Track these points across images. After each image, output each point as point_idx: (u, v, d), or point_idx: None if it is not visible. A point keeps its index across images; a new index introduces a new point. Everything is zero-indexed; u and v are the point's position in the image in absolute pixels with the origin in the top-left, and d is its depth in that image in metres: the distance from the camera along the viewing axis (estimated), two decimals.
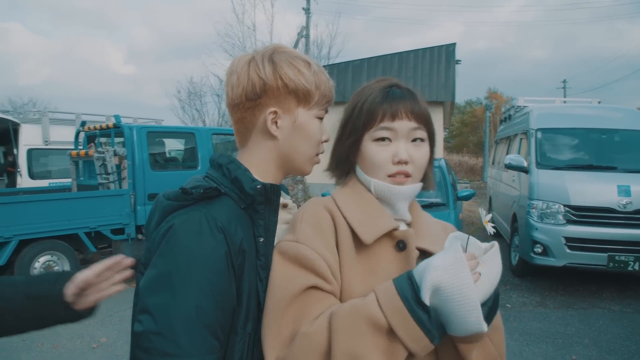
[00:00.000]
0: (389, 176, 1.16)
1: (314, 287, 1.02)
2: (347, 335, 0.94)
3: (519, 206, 7.25)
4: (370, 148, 1.17)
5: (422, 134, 1.17)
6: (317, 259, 1.04)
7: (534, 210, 6.55)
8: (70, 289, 1.24)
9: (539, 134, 7.29)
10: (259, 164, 1.19)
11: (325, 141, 1.29)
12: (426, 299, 0.93)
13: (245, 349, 1.05)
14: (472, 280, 0.93)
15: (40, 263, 6.44)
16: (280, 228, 1.19)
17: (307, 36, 26.71)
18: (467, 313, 0.92)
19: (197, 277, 0.99)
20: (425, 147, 1.19)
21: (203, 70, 41.38)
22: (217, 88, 25.40)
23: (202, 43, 41.42)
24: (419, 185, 1.21)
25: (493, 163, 11.61)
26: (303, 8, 26.24)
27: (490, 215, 1.13)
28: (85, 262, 7.29)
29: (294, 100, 1.17)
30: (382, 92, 1.18)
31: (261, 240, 1.11)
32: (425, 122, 1.18)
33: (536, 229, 6.45)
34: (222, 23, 50.36)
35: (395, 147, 1.15)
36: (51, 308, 1.25)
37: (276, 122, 1.17)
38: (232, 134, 7.79)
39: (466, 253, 1.00)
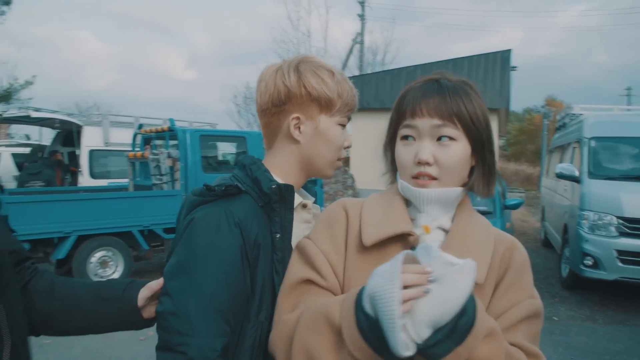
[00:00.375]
0: (413, 177, 1.09)
1: (310, 281, 1.07)
2: (305, 330, 0.96)
3: (570, 217, 7.04)
4: (398, 148, 1.13)
5: (449, 131, 1.06)
6: (316, 254, 1.09)
7: (585, 221, 6.36)
8: (144, 293, 1.29)
9: (593, 143, 7.06)
10: (282, 166, 1.28)
11: (348, 147, 1.36)
12: (366, 304, 0.87)
13: (258, 335, 1.14)
14: (399, 294, 0.81)
15: (96, 258, 6.80)
16: (299, 227, 1.27)
17: (362, 42, 26.80)
18: (388, 330, 0.82)
19: (213, 267, 1.09)
20: (454, 147, 1.07)
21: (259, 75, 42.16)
22: None
23: (260, 49, 42.28)
24: (450, 190, 1.09)
25: (547, 172, 11.30)
26: (358, 14, 26.36)
27: (428, 218, 1.10)
28: (138, 259, 7.64)
29: (316, 108, 1.24)
30: (415, 88, 1.13)
31: (277, 235, 1.20)
32: (457, 118, 1.06)
33: (587, 240, 6.25)
34: (277, 30, 51.22)
35: (417, 147, 1.08)
36: (121, 312, 1.29)
37: (299, 128, 1.25)
38: None
39: (416, 265, 0.87)
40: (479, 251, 1.06)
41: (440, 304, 0.83)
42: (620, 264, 6.01)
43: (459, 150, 1.07)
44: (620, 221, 6.10)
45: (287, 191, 1.22)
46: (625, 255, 6.00)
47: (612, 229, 6.12)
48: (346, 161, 18.65)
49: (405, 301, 0.82)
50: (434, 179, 1.07)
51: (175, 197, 7.46)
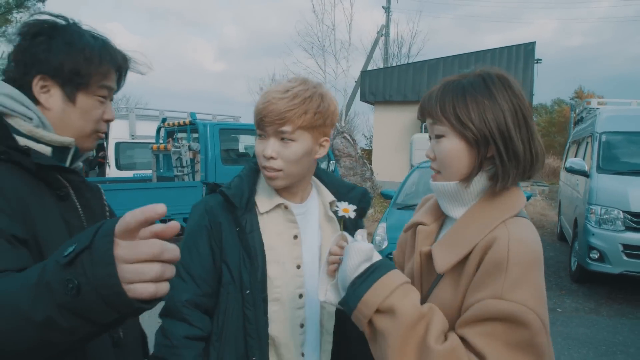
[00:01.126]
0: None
1: None
2: None
3: (580, 211, 7.12)
4: None
5: (439, 129, 1.18)
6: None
7: (592, 215, 6.44)
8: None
9: (603, 137, 7.11)
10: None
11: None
12: None
13: (224, 303, 1.43)
14: (326, 258, 1.24)
15: None
16: (285, 225, 1.50)
17: (387, 35, 26.78)
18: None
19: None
20: (443, 143, 1.18)
21: (285, 68, 42.35)
22: None
23: (287, 41, 42.51)
24: (447, 184, 1.20)
25: (564, 166, 11.29)
26: (383, 7, 26.33)
27: (345, 204, 1.31)
28: None
29: None
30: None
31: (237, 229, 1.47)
32: (443, 115, 1.16)
33: (593, 234, 6.34)
34: (302, 22, 51.35)
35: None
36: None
37: None
38: None
39: (340, 243, 1.21)
40: (454, 246, 1.15)
41: (340, 272, 1.12)
42: (625, 258, 6.09)
43: (447, 145, 1.17)
44: (627, 215, 6.16)
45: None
46: (631, 249, 6.07)
47: (619, 223, 6.19)
48: (368, 154, 18.80)
49: (331, 264, 1.22)
50: (438, 172, 1.23)
51: (196, 188, 7.78)
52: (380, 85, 17.89)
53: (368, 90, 18.26)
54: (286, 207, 1.49)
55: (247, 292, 1.39)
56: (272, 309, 1.42)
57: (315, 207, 1.56)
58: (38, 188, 1.09)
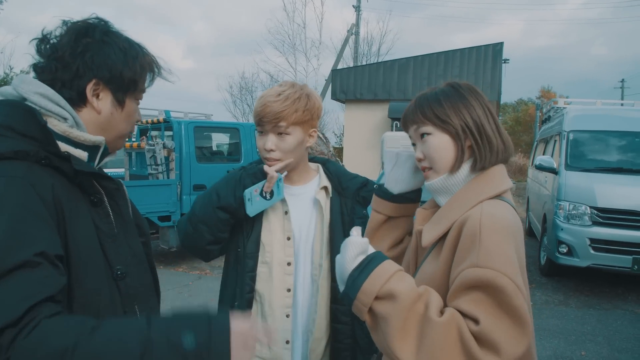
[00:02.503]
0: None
1: None
2: None
3: (548, 207, 7.35)
4: None
5: (424, 129, 1.35)
6: None
7: (560, 211, 6.66)
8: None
9: (571, 136, 7.36)
10: None
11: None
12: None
13: None
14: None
15: None
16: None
17: (357, 33, 26.94)
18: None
19: None
20: (429, 140, 1.34)
21: (255, 66, 42.14)
22: (267, 84, 26.02)
23: (257, 39, 42.34)
24: (437, 180, 1.35)
25: (532, 164, 11.61)
26: (353, 5, 26.48)
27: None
28: None
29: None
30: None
31: None
32: (425, 118, 1.34)
33: (562, 229, 6.56)
34: (273, 20, 51.18)
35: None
36: None
37: None
38: None
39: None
40: (437, 223, 1.31)
41: (338, 266, 1.22)
42: (592, 252, 6.33)
43: (433, 141, 1.34)
44: (594, 211, 6.40)
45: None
46: (597, 244, 6.31)
47: (586, 218, 6.43)
48: (339, 152, 18.90)
49: None
50: (429, 169, 1.37)
51: (170, 186, 7.74)
52: (351, 84, 17.98)
53: (339, 88, 18.32)
54: None
55: (239, 249, 1.74)
56: (261, 269, 1.74)
57: (313, 191, 1.80)
58: (73, 193, 1.11)
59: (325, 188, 1.81)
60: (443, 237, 1.28)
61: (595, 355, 4.74)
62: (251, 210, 1.70)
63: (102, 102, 1.19)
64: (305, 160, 1.84)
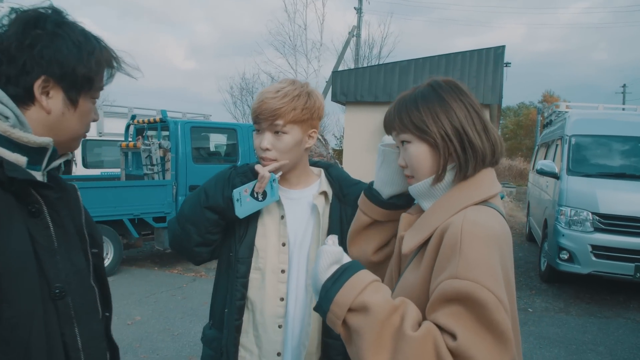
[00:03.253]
0: None
1: None
2: None
3: (550, 212, 7.24)
4: None
5: (404, 136, 1.28)
6: None
7: (562, 216, 6.55)
8: None
9: (573, 140, 7.25)
10: None
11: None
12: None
13: None
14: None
15: None
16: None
17: (358, 36, 26.86)
18: None
19: None
20: (409, 149, 1.28)
21: (255, 67, 42.10)
22: (267, 85, 25.94)
23: (258, 40, 42.18)
24: (419, 184, 1.29)
25: (533, 168, 11.49)
26: (355, 7, 26.40)
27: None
28: (129, 247, 7.83)
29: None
30: None
31: None
32: (402, 125, 1.28)
33: (563, 235, 6.45)
34: (274, 21, 51.18)
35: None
36: None
37: None
38: None
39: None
40: (418, 230, 1.25)
41: (312, 276, 1.18)
42: (594, 259, 6.21)
43: (412, 151, 1.28)
44: (596, 217, 6.29)
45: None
46: (599, 250, 6.20)
47: (588, 224, 6.32)
48: (339, 154, 18.79)
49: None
50: (411, 177, 1.32)
51: (166, 187, 7.63)
52: (352, 86, 17.85)
53: (339, 90, 18.20)
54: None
55: (231, 254, 1.65)
56: (253, 276, 1.64)
57: (312, 196, 1.70)
58: (4, 202, 0.97)
59: (324, 193, 1.71)
60: (425, 244, 1.22)
61: None
62: (240, 211, 1.59)
63: (53, 101, 1.07)
64: (305, 163, 1.74)
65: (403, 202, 1.43)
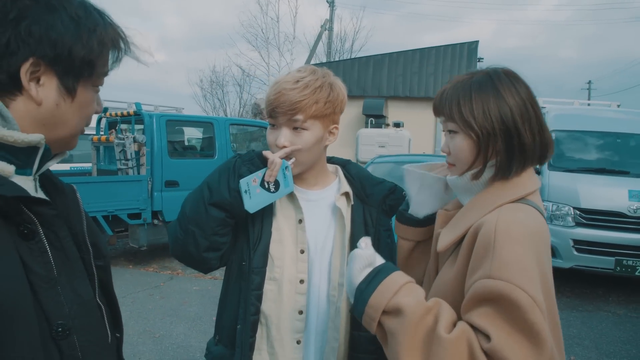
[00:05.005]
0: None
1: None
2: None
3: None
4: None
5: (451, 125, 1.24)
6: None
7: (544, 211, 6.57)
8: None
9: (553, 135, 7.24)
10: None
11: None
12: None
13: None
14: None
15: None
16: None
17: (331, 29, 26.76)
18: None
19: None
20: (455, 139, 1.24)
21: (227, 60, 41.68)
22: (239, 78, 25.67)
23: (230, 32, 41.56)
24: (458, 178, 1.26)
25: None
26: (327, 1, 26.27)
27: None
28: None
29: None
30: None
31: None
32: (451, 113, 1.23)
33: None
34: (246, 13, 50.71)
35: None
36: None
37: None
38: (250, 125, 7.99)
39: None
40: (454, 228, 1.23)
41: (346, 280, 1.18)
42: (575, 253, 6.27)
43: (458, 141, 1.24)
44: (577, 212, 6.34)
45: None
46: (580, 245, 6.26)
47: (569, 219, 6.36)
48: None
49: None
50: (452, 165, 1.29)
51: (141, 182, 7.38)
52: None
53: None
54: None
55: (244, 263, 1.45)
56: (268, 287, 1.45)
57: (332, 197, 1.55)
58: None
59: (346, 194, 1.55)
60: (460, 241, 1.20)
61: (584, 359, 4.63)
62: (250, 205, 1.39)
63: (44, 89, 0.86)
64: (324, 161, 1.58)
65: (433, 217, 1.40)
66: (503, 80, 1.22)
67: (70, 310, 0.87)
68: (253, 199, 1.39)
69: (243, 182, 1.39)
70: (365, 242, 1.19)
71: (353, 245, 1.43)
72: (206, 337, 4.86)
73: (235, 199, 1.39)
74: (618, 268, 6.07)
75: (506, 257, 1.03)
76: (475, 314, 1.03)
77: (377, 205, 1.55)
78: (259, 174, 1.40)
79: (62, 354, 0.85)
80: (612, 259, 6.09)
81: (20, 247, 0.82)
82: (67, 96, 0.90)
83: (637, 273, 6.03)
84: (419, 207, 1.41)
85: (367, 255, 1.15)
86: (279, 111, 1.40)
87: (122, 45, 0.97)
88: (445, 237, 1.23)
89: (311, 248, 1.49)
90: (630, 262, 6.02)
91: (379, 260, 1.16)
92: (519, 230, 1.07)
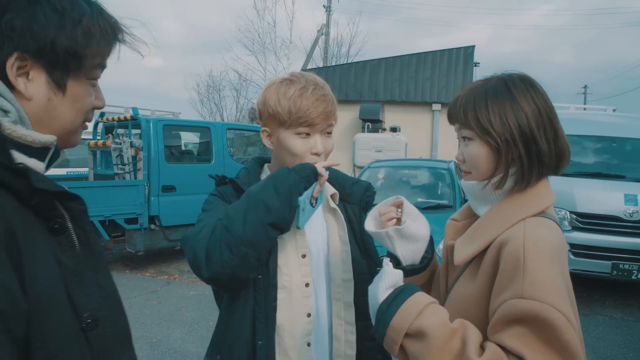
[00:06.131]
0: None
1: None
2: None
3: None
4: None
5: (466, 132, 1.22)
6: None
7: None
8: None
9: None
10: (271, 166, 1.61)
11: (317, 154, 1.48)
12: None
13: None
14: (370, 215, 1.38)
15: None
16: None
17: (327, 34, 26.81)
18: None
19: None
20: (470, 145, 1.21)
21: (223, 64, 41.67)
22: (235, 83, 25.69)
23: (227, 37, 41.63)
24: (473, 183, 1.24)
25: None
26: (324, 5, 26.34)
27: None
28: None
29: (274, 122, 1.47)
30: None
31: None
32: (466, 120, 1.20)
33: None
34: (242, 18, 50.74)
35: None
36: None
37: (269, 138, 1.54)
38: (247, 130, 7.96)
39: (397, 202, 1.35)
40: (473, 240, 1.18)
41: (369, 292, 1.18)
42: (572, 257, 6.27)
43: (473, 147, 1.21)
44: (574, 216, 6.35)
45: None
46: (577, 249, 6.26)
47: (566, 223, 6.37)
48: None
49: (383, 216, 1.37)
50: (467, 172, 1.26)
51: (138, 187, 7.37)
52: None
53: None
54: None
55: (259, 276, 1.42)
56: (280, 296, 1.46)
57: (321, 200, 1.54)
58: (26, 218, 0.81)
59: (334, 195, 1.60)
60: (480, 254, 1.16)
61: None
62: (302, 221, 1.41)
63: (34, 84, 0.86)
64: None
65: (431, 251, 1.38)
66: (518, 86, 1.20)
67: (97, 302, 0.89)
68: (305, 215, 1.40)
69: (301, 200, 1.37)
70: (387, 260, 1.19)
71: (344, 242, 1.54)
72: (203, 342, 4.88)
73: (293, 218, 1.39)
74: (614, 272, 6.08)
75: (538, 276, 1.00)
76: (507, 335, 1.00)
77: (357, 203, 1.63)
78: (309, 191, 1.40)
79: (91, 344, 0.87)
80: (609, 262, 6.10)
81: (51, 242, 0.84)
82: (58, 90, 0.88)
83: (633, 277, 6.04)
84: (410, 258, 1.34)
85: (396, 274, 1.14)
86: (319, 119, 1.42)
87: (115, 35, 0.95)
88: (463, 249, 1.19)
89: (313, 252, 1.52)
90: (626, 266, 6.03)
91: (402, 280, 1.15)
92: (547, 247, 1.05)
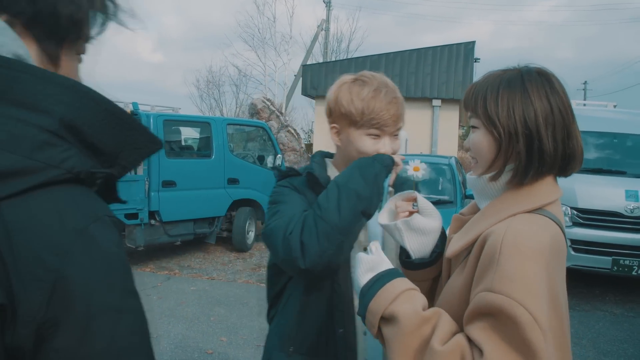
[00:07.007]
0: None
1: None
2: None
3: None
4: None
5: (474, 121, 1.20)
6: None
7: None
8: None
9: None
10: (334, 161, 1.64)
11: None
12: None
13: None
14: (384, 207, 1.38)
15: None
16: None
17: (327, 30, 26.77)
18: None
19: None
20: (475, 134, 1.20)
21: (223, 60, 41.62)
22: (235, 78, 25.67)
23: (227, 32, 41.60)
24: (476, 178, 1.23)
25: None
26: (324, 1, 26.28)
27: (417, 162, 1.38)
28: None
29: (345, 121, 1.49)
30: None
31: None
32: (476, 108, 1.18)
33: None
34: (242, 13, 50.65)
35: None
36: None
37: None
38: (247, 125, 7.97)
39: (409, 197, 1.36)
40: (465, 234, 1.18)
41: (354, 281, 1.24)
42: (572, 253, 6.27)
43: (477, 137, 1.19)
44: (574, 212, 6.35)
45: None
46: (578, 244, 6.27)
47: (567, 219, 6.37)
48: (308, 148, 18.72)
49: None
50: (475, 161, 1.24)
51: (138, 182, 7.35)
52: (322, 80, 17.76)
53: (309, 84, 18.10)
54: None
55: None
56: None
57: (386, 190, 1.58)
58: None
59: None
60: (471, 249, 1.15)
61: (582, 359, 4.64)
62: (380, 210, 1.42)
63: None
64: None
65: (441, 243, 1.35)
66: (534, 79, 1.15)
67: None
68: (383, 204, 1.43)
69: (385, 188, 1.43)
70: (375, 246, 1.20)
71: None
72: (204, 337, 4.89)
73: (379, 204, 1.42)
74: (615, 268, 6.09)
75: (510, 271, 0.98)
76: (473, 327, 1.00)
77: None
78: (387, 180, 1.44)
79: None
80: (609, 258, 6.11)
81: None
82: (50, 64, 0.75)
83: (634, 273, 6.05)
84: (419, 251, 1.32)
85: (369, 260, 1.17)
86: (391, 121, 1.45)
87: (110, 6, 0.81)
88: (454, 243, 1.19)
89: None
90: (627, 262, 6.04)
91: (385, 266, 1.16)
92: (529, 243, 1.02)
